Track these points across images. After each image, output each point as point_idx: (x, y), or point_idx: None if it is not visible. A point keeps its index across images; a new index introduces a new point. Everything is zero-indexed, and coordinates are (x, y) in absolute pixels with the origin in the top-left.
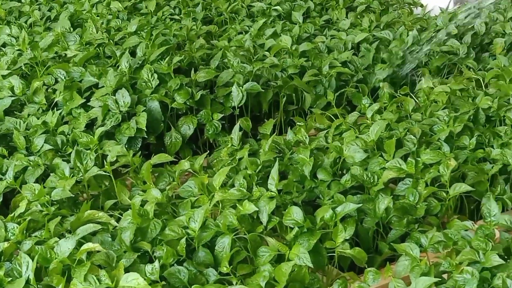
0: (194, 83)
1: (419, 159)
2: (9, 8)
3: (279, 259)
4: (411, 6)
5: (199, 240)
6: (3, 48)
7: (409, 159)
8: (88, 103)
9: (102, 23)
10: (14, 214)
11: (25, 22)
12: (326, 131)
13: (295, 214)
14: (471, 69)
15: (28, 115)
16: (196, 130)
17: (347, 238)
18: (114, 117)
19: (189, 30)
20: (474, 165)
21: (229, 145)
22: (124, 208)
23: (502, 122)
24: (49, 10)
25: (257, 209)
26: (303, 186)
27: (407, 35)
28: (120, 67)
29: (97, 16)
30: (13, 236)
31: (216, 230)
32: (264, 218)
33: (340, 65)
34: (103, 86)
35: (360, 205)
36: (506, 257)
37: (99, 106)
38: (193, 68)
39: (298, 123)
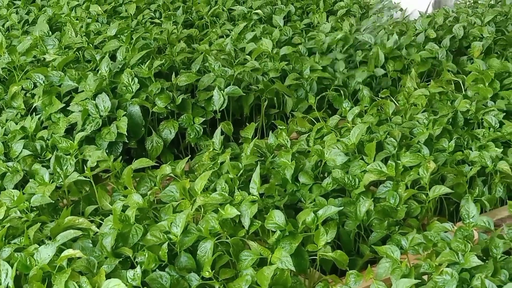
0: (175, 87)
1: (399, 162)
2: None
3: (262, 263)
4: (391, 10)
5: (181, 245)
6: None
7: (389, 162)
8: (68, 108)
9: (81, 26)
10: None
11: (2, 26)
12: (307, 134)
13: (277, 217)
14: (450, 72)
15: (6, 120)
16: (178, 134)
17: (329, 241)
18: (94, 122)
19: (170, 34)
20: (453, 167)
21: (211, 149)
22: (105, 213)
23: (480, 125)
24: (27, 14)
25: (239, 213)
26: (285, 189)
27: (388, 39)
28: (100, 71)
29: (76, 19)
30: None
31: (198, 234)
32: (246, 222)
33: (321, 68)
34: (83, 91)
35: (342, 208)
36: (484, 258)
37: (79, 111)
38: (174, 72)
39: (279, 127)
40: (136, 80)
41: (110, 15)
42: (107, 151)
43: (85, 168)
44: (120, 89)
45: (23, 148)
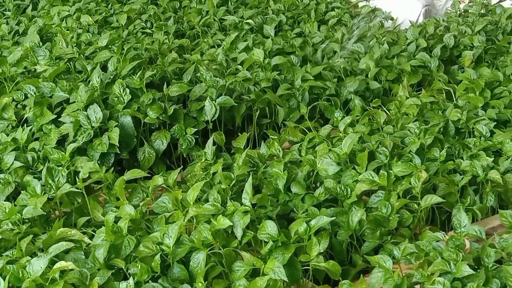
0: (166, 98)
1: (391, 171)
2: None
3: (254, 273)
4: (382, 19)
5: (174, 256)
6: None
7: (381, 171)
8: (59, 119)
9: (72, 37)
10: None
11: None
12: (299, 144)
13: (270, 228)
14: (441, 81)
15: None
16: (170, 145)
17: (321, 251)
18: (86, 133)
19: (161, 44)
20: (444, 177)
21: (203, 160)
22: (97, 225)
23: (471, 134)
24: (17, 24)
25: (232, 224)
26: (277, 199)
27: (379, 48)
28: (91, 82)
29: (67, 30)
30: None
31: (190, 245)
32: (238, 233)
33: (313, 78)
34: (74, 102)
35: (334, 218)
36: (476, 267)
37: (71, 122)
38: (165, 83)
39: (271, 137)
40: (127, 90)
41: (101, 26)
42: (99, 162)
43: (77, 179)
44: (111, 100)
45: (14, 159)
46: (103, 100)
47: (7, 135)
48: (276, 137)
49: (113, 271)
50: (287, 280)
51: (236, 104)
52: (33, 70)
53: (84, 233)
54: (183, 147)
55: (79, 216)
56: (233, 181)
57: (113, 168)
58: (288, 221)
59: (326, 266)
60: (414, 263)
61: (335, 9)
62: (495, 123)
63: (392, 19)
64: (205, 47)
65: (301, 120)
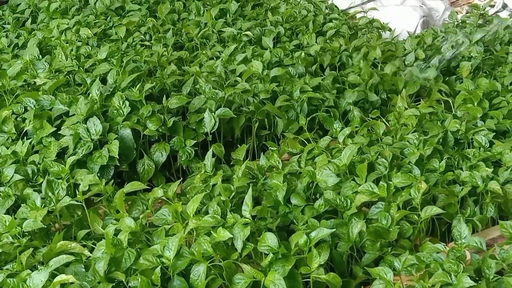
0: (166, 110)
1: (390, 182)
2: None
3: (255, 286)
4: (380, 30)
5: (174, 268)
6: None
7: (381, 182)
8: (59, 132)
9: (72, 50)
10: None
11: None
12: (298, 155)
13: (270, 240)
14: (442, 93)
15: None
16: (169, 157)
17: (322, 263)
18: (86, 146)
19: (160, 56)
20: (444, 188)
21: (203, 172)
22: (97, 237)
23: (470, 145)
24: (17, 37)
25: (232, 236)
26: (277, 211)
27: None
28: (91, 95)
29: (66, 43)
30: None
31: (191, 258)
32: (239, 245)
33: (311, 90)
34: (74, 114)
35: (334, 230)
36: (477, 278)
37: (70, 135)
38: (164, 95)
39: (271, 148)
40: (127, 103)
41: (100, 38)
42: (98, 175)
43: (77, 192)
44: (111, 112)
45: (14, 172)
46: (102, 113)
47: (7, 148)
48: (275, 148)
49: (114, 284)
50: None
51: (235, 116)
52: (33, 83)
53: (84, 246)
54: (183, 159)
55: (79, 229)
56: (233, 193)
57: (112, 180)
58: (288, 233)
59: (327, 278)
60: (415, 275)
61: (333, 21)
62: (494, 133)
63: (390, 30)
64: (204, 59)
65: (300, 132)
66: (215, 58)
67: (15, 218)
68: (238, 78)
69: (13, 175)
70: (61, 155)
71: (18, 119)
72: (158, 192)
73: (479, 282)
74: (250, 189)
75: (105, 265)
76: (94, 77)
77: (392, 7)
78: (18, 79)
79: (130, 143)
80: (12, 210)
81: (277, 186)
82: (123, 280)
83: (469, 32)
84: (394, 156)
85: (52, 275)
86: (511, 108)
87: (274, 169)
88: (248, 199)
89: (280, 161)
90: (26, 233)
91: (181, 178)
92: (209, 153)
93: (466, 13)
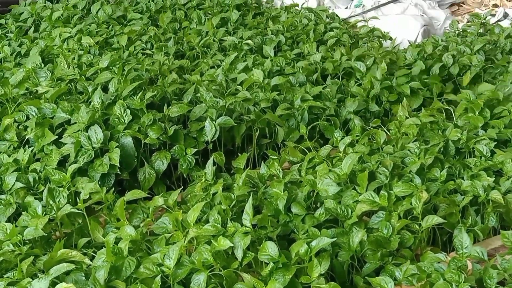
0: (167, 118)
1: (391, 191)
2: None
3: None
4: (381, 39)
5: (174, 277)
6: None
7: (381, 192)
8: (60, 140)
9: (74, 58)
10: None
11: None
12: (299, 164)
13: (270, 249)
14: (444, 102)
15: None
16: (170, 165)
17: (322, 272)
18: (87, 154)
19: (161, 65)
20: (445, 197)
21: (203, 180)
22: (98, 246)
23: (471, 154)
24: (19, 46)
25: (232, 245)
26: (277, 220)
27: (377, 68)
28: (92, 103)
29: (68, 51)
30: None
31: (191, 267)
32: (239, 254)
33: (312, 98)
34: (75, 123)
35: (335, 239)
36: None
37: (72, 143)
38: (165, 103)
39: (271, 157)
40: (128, 111)
41: (102, 47)
42: (99, 183)
43: (78, 200)
44: (112, 120)
45: (15, 180)
46: (104, 121)
47: (9, 156)
48: (276, 157)
49: None
50: None
51: (236, 125)
52: (35, 91)
53: (84, 254)
54: (183, 168)
55: (79, 237)
56: (233, 202)
57: (113, 188)
58: (288, 242)
59: None
60: (415, 285)
61: (334, 30)
62: (496, 142)
63: (390, 39)
64: (205, 67)
65: (301, 140)
66: (216, 67)
67: (16, 226)
68: (239, 86)
69: (14, 183)
70: (62, 163)
71: (20, 127)
72: (159, 200)
73: None
74: (251, 197)
75: (105, 274)
76: (95, 86)
77: (393, 16)
78: (20, 87)
79: (131, 151)
80: (13, 218)
81: (277, 195)
82: None
83: (470, 42)
84: (395, 165)
85: (53, 283)
86: None
87: (275, 177)
88: (248, 207)
89: (280, 169)
90: (27, 241)
91: (182, 187)
92: (210, 162)
93: (467, 22)
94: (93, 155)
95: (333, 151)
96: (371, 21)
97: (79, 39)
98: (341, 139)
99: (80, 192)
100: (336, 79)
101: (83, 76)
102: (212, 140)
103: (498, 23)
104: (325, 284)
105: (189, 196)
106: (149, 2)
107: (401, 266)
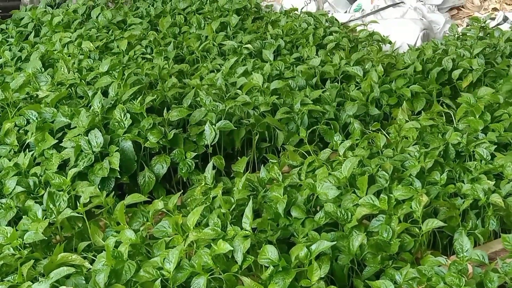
0: (166, 122)
1: (391, 195)
2: None
3: None
4: (380, 43)
5: (174, 281)
6: None
7: (381, 195)
8: (61, 144)
9: (74, 63)
10: None
11: None
12: (299, 168)
13: (270, 253)
14: (443, 105)
15: (0, 157)
16: (170, 169)
17: (322, 276)
18: (87, 158)
19: (161, 69)
20: (445, 201)
21: (203, 184)
22: (98, 249)
23: (471, 157)
24: (20, 51)
25: (232, 249)
26: (277, 224)
27: (376, 71)
28: (92, 107)
29: (69, 56)
30: None
31: (191, 270)
32: (239, 258)
33: (312, 102)
34: (75, 127)
35: (334, 243)
36: None
37: (72, 147)
38: (165, 107)
39: (271, 160)
40: (128, 115)
41: (102, 51)
42: (99, 187)
43: (78, 204)
44: (112, 124)
45: (16, 184)
46: (104, 125)
47: (9, 160)
48: (275, 161)
49: None
50: None
51: (236, 128)
52: (35, 95)
53: (84, 258)
54: (183, 171)
55: (79, 240)
56: (233, 205)
57: (113, 192)
58: (288, 245)
59: None
60: None
61: (333, 34)
62: (496, 146)
63: (390, 42)
64: (204, 71)
65: (301, 144)
66: (215, 71)
67: (16, 230)
68: (238, 90)
69: (15, 187)
70: (62, 167)
71: (21, 131)
72: (159, 204)
73: None
74: (250, 201)
75: (105, 277)
76: (95, 90)
77: (392, 20)
78: (21, 92)
79: (131, 155)
80: (14, 222)
81: (277, 198)
82: None
83: (470, 45)
84: (395, 169)
85: (53, 287)
86: None
87: (274, 181)
88: (248, 211)
89: (280, 173)
90: (27, 245)
91: (182, 190)
92: (210, 166)
93: (467, 25)
94: (93, 159)
95: (332, 154)
96: (371, 25)
97: (79, 43)
98: (341, 142)
99: (80, 196)
100: (336, 83)
101: (83, 81)
102: (212, 144)
103: (498, 26)
104: None
105: (189, 199)
106: (149, 7)
107: (401, 270)
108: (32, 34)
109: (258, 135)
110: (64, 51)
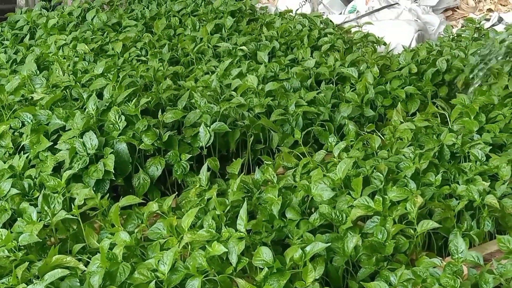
0: (161, 124)
1: (386, 196)
2: None
3: None
4: (375, 45)
5: (169, 283)
6: None
7: (376, 196)
8: (55, 146)
9: (69, 65)
10: None
11: None
12: (294, 169)
13: (265, 254)
14: (438, 106)
15: None
16: (164, 171)
17: (317, 277)
18: (82, 160)
19: (156, 71)
20: (440, 202)
21: (198, 186)
22: (92, 251)
23: (466, 158)
24: (15, 53)
25: (227, 250)
26: (272, 225)
27: (371, 72)
28: (87, 110)
29: (64, 58)
30: None
31: (185, 272)
32: (233, 259)
33: (306, 104)
34: (70, 129)
35: (329, 244)
36: None
37: (67, 149)
38: (160, 109)
39: (266, 162)
40: (123, 117)
41: (97, 54)
42: (94, 189)
43: (73, 206)
44: (107, 126)
45: (11, 186)
46: (98, 127)
47: (4, 162)
48: (270, 162)
49: None
50: None
51: (231, 130)
52: (30, 98)
53: (79, 260)
54: (178, 173)
55: (74, 242)
56: (228, 207)
57: (108, 194)
58: (283, 247)
59: None
60: None
61: (328, 35)
62: (491, 147)
63: (385, 44)
64: (199, 73)
65: (295, 146)
66: (210, 73)
67: (11, 232)
68: (233, 92)
69: (9, 189)
70: (57, 169)
71: (16, 133)
72: (153, 206)
73: None
74: (245, 203)
75: (100, 279)
76: (90, 92)
77: (387, 22)
78: (16, 94)
79: (125, 157)
80: (9, 224)
81: (272, 200)
82: None
83: (465, 46)
84: (390, 170)
85: None
86: (508, 122)
87: (269, 183)
88: (243, 213)
89: (275, 175)
90: (22, 247)
91: (176, 192)
92: (204, 167)
93: (462, 27)
94: (88, 161)
95: (327, 156)
96: (365, 27)
97: (74, 46)
98: (336, 144)
99: (75, 198)
100: (331, 84)
101: (78, 83)
102: (207, 145)
103: (493, 27)
104: None
105: (184, 201)
106: (144, 9)
107: (396, 271)
108: (27, 36)
109: (252, 136)
110: (59, 53)
